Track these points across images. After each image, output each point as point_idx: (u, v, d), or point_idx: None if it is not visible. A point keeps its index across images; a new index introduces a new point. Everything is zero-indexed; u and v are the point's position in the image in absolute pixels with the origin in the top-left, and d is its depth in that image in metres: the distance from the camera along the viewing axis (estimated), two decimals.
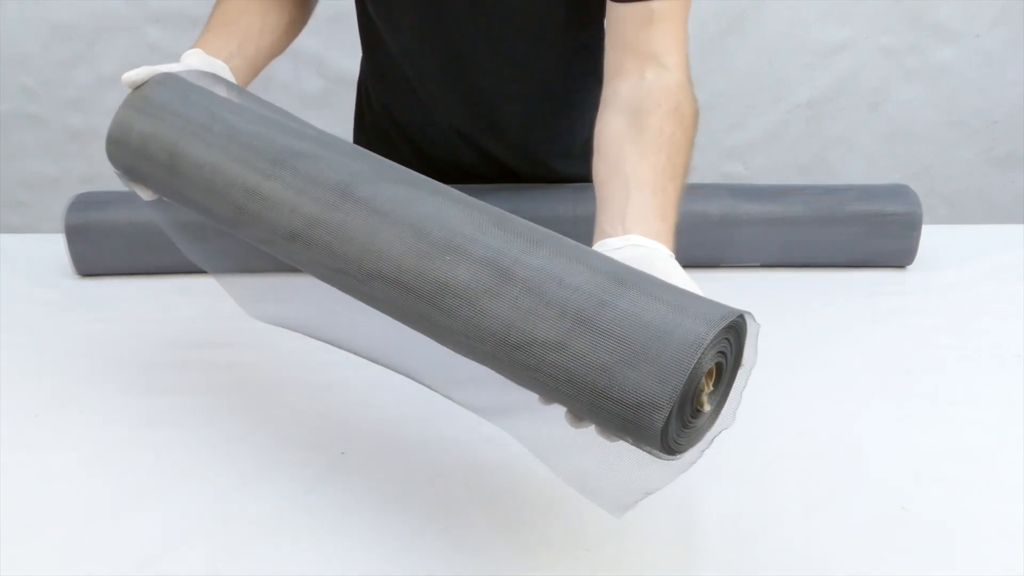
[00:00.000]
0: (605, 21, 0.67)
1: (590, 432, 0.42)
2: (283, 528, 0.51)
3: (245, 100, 0.60)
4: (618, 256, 0.46)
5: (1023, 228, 0.96)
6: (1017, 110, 1.68)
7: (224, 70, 0.67)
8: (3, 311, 0.78)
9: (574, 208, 0.82)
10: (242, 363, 0.69)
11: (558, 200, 0.83)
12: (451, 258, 0.42)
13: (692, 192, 0.83)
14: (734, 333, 0.41)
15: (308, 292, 0.56)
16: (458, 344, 0.43)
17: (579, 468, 0.45)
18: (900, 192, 0.85)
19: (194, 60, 0.65)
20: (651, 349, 0.37)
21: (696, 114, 0.61)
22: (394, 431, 0.61)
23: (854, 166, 1.74)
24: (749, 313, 0.41)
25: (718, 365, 0.40)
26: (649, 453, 0.40)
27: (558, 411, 0.43)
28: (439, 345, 0.45)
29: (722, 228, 0.83)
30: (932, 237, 0.89)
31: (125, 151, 0.58)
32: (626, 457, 0.42)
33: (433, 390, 0.50)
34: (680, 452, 0.40)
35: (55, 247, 0.86)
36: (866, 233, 0.84)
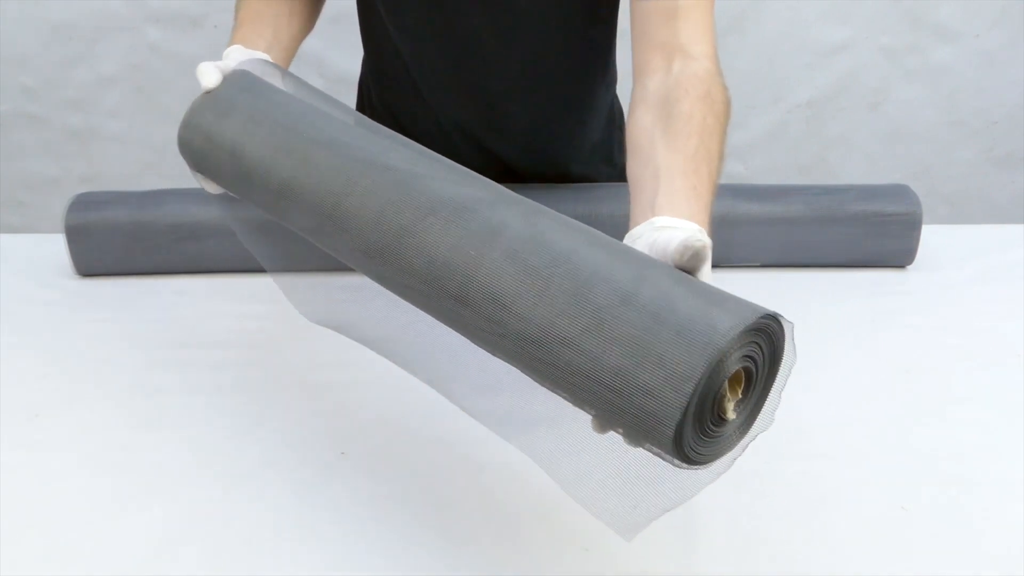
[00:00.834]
0: (630, 19, 0.66)
1: (604, 448, 0.41)
2: (283, 528, 0.51)
3: (312, 96, 0.60)
4: (640, 243, 0.44)
5: (1023, 228, 0.96)
6: (1017, 110, 1.68)
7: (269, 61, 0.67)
8: (3, 311, 0.78)
9: (575, 208, 0.82)
10: (242, 363, 0.69)
11: (561, 200, 0.83)
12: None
13: None
14: (764, 336, 0.39)
15: (368, 300, 0.55)
16: (484, 340, 0.42)
17: (589, 483, 0.44)
18: (900, 192, 0.85)
19: (239, 55, 0.64)
20: (664, 353, 0.36)
21: (728, 102, 0.59)
22: (394, 431, 0.61)
23: (854, 166, 1.74)
24: (777, 315, 0.39)
25: (746, 371, 0.39)
26: (669, 462, 0.39)
27: (574, 426, 0.42)
28: (482, 359, 0.44)
29: (722, 228, 0.83)
30: (932, 237, 0.89)
31: (194, 147, 0.57)
32: (643, 472, 0.41)
33: (467, 412, 0.50)
34: (702, 462, 0.39)
35: (55, 247, 0.86)
36: (866, 233, 0.84)
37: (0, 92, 1.66)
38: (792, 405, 0.64)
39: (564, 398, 0.41)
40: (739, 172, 1.72)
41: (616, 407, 0.37)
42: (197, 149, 0.57)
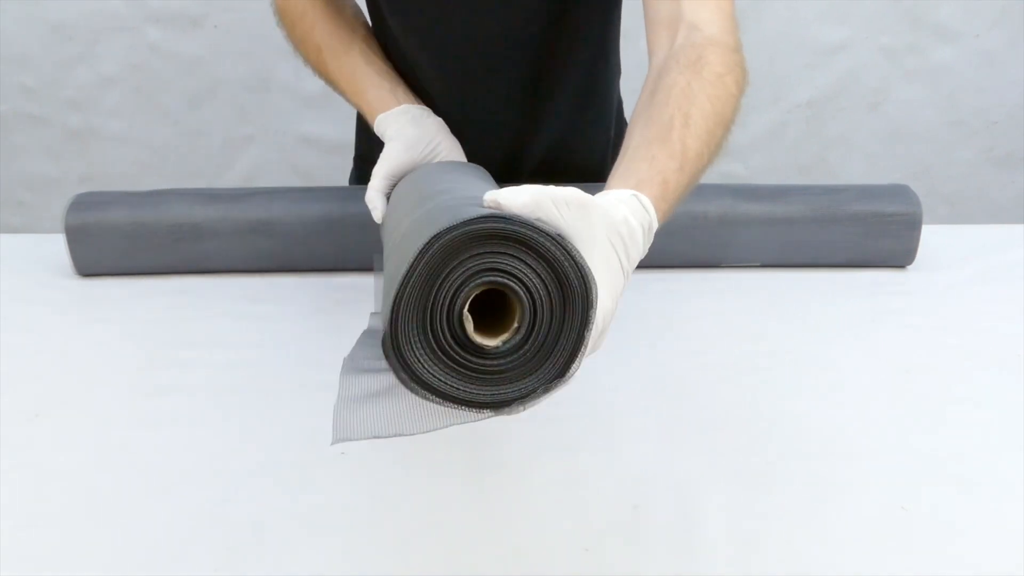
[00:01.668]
0: (643, 11, 0.65)
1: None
2: (283, 528, 0.51)
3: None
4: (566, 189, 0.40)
5: (1023, 228, 0.96)
6: (1017, 110, 1.68)
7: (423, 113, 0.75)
8: (3, 311, 0.78)
9: None
10: (242, 363, 0.69)
11: None
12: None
13: (692, 192, 0.83)
14: (540, 261, 0.35)
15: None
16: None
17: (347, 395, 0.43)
18: (900, 192, 0.85)
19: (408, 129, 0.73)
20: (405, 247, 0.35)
21: (731, 64, 0.56)
22: (397, 437, 0.61)
23: (854, 166, 1.74)
24: (557, 239, 0.35)
25: (515, 298, 0.35)
26: (407, 387, 0.36)
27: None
28: None
29: (722, 228, 0.84)
30: (932, 237, 0.89)
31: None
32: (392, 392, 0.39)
33: None
34: (442, 389, 0.36)
35: (55, 247, 0.86)
36: (866, 233, 0.84)
37: (0, 92, 1.66)
38: (792, 405, 0.64)
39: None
40: (739, 172, 1.72)
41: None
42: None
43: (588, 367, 0.67)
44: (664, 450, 0.58)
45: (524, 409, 0.37)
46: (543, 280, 0.35)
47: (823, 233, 0.84)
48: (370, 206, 0.69)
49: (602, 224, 0.40)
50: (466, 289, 0.35)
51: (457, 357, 0.36)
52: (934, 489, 0.55)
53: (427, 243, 0.34)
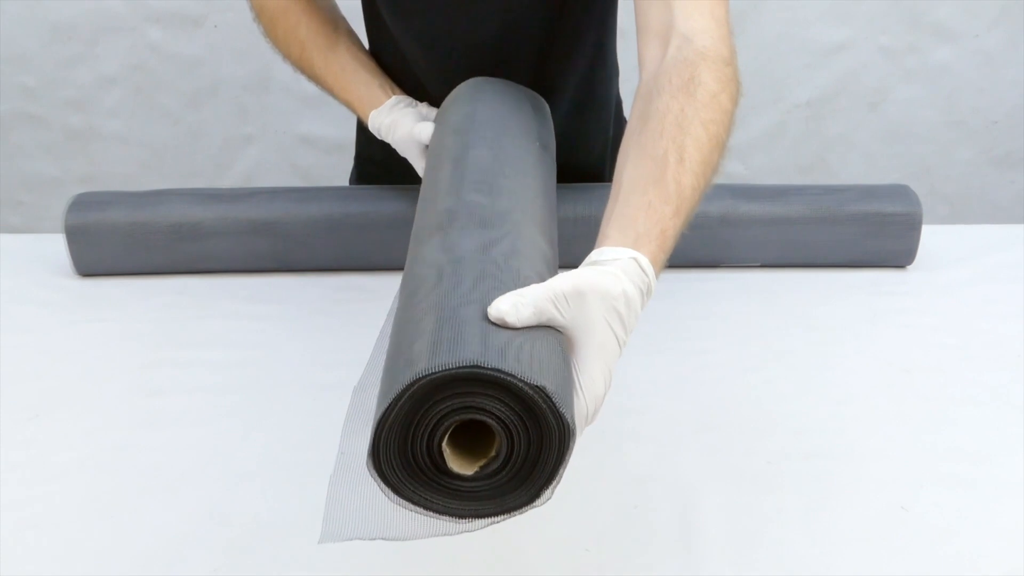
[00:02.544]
0: (635, 18, 0.64)
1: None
2: (283, 528, 0.51)
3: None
4: (566, 279, 0.42)
5: (1023, 228, 0.96)
6: (1017, 110, 1.68)
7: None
8: (3, 311, 0.78)
9: (574, 208, 0.83)
10: (242, 363, 0.69)
11: (561, 200, 0.83)
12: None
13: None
14: (524, 408, 0.36)
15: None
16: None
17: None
18: (900, 192, 0.85)
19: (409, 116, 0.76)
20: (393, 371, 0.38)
21: (725, 79, 0.55)
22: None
23: (854, 166, 1.74)
24: (541, 389, 0.36)
25: (491, 430, 0.37)
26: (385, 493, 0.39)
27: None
28: None
29: (722, 228, 0.83)
30: (932, 237, 0.89)
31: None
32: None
33: None
34: (422, 504, 0.38)
35: (55, 247, 0.86)
36: (866, 233, 0.84)
37: (0, 92, 1.66)
38: (792, 405, 0.64)
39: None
40: (739, 172, 1.72)
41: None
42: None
43: None
44: (664, 450, 0.58)
45: (505, 519, 0.39)
46: (521, 418, 0.37)
47: (823, 233, 0.84)
48: (421, 135, 0.72)
49: (600, 308, 0.42)
50: (445, 424, 0.37)
51: (437, 480, 0.38)
52: (934, 489, 0.55)
53: (406, 387, 0.36)
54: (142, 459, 0.58)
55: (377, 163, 0.91)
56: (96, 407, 0.64)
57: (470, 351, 0.36)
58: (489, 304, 0.39)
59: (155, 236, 0.82)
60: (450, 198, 0.51)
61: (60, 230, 0.83)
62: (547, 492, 0.39)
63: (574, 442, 0.38)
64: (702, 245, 0.84)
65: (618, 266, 0.44)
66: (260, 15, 0.81)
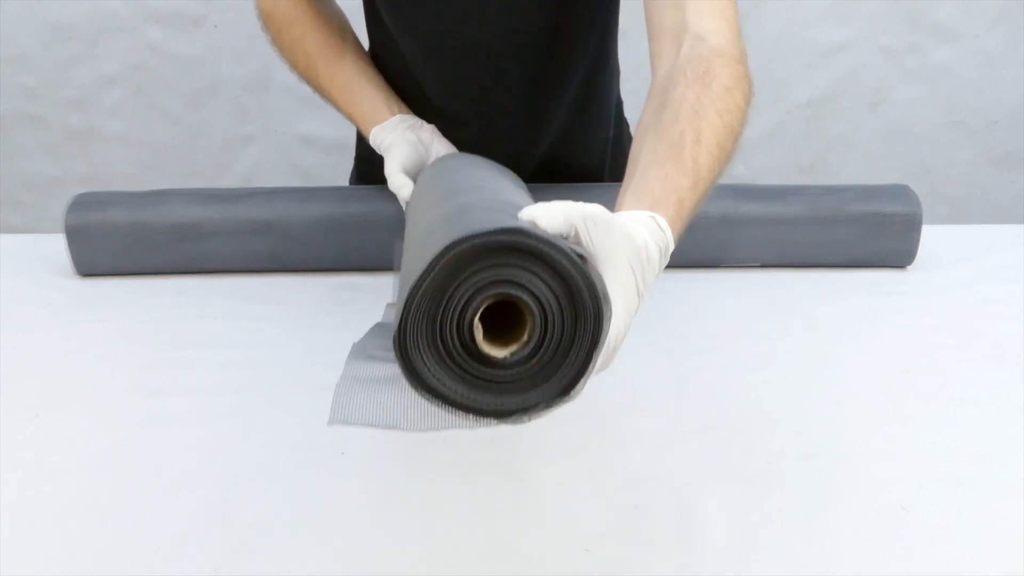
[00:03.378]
0: (645, 18, 0.65)
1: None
2: (283, 528, 0.51)
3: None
4: (594, 206, 0.41)
5: (1023, 228, 0.96)
6: (1017, 110, 1.68)
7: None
8: (3, 311, 0.78)
9: None
10: (242, 363, 0.69)
11: (561, 200, 0.83)
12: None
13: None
14: (552, 275, 0.35)
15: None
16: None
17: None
18: (900, 192, 0.85)
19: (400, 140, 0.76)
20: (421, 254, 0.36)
21: (739, 76, 0.55)
22: (394, 431, 0.61)
23: (854, 166, 1.74)
24: (575, 255, 0.34)
25: (526, 309, 0.35)
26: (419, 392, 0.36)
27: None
28: None
29: (722, 228, 0.83)
30: (932, 237, 0.89)
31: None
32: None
33: None
34: (445, 394, 0.36)
35: (55, 247, 0.86)
36: (866, 233, 0.84)
37: (0, 92, 1.66)
38: (792, 405, 0.64)
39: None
40: (739, 172, 1.73)
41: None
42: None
43: None
44: (664, 450, 0.58)
45: (526, 421, 0.37)
46: (557, 297, 0.35)
47: (823, 233, 0.84)
48: (397, 192, 0.71)
49: (624, 245, 0.40)
50: (478, 299, 0.35)
51: (464, 365, 0.36)
52: (934, 489, 0.55)
53: (443, 250, 0.34)
54: (142, 459, 0.58)
55: (377, 163, 0.91)
56: (96, 407, 0.64)
57: (507, 225, 0.34)
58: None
59: (155, 236, 0.82)
60: (440, 200, 0.51)
61: (60, 230, 0.83)
62: (579, 384, 0.36)
63: (607, 332, 0.36)
64: (702, 245, 0.84)
65: (633, 218, 0.44)
66: (267, 24, 0.81)
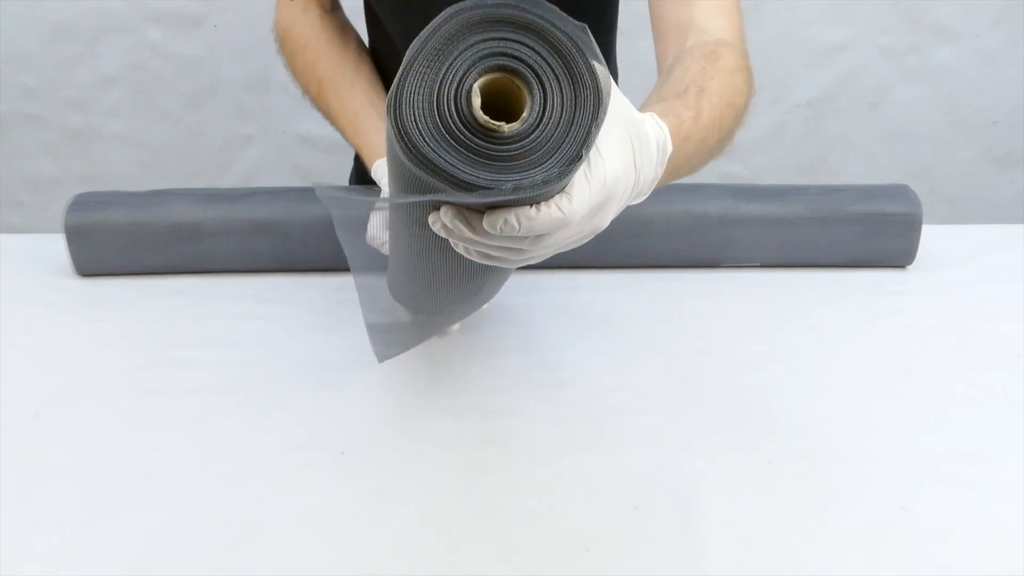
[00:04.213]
0: (649, 11, 0.65)
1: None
2: (283, 528, 0.51)
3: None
4: None
5: (1023, 228, 0.96)
6: (1017, 110, 1.68)
7: None
8: (3, 311, 0.78)
9: None
10: (242, 363, 0.69)
11: None
12: None
13: (692, 192, 0.84)
14: (546, 46, 0.35)
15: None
16: None
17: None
18: (900, 192, 0.85)
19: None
20: None
21: (742, 66, 0.56)
22: (394, 431, 0.61)
23: (854, 166, 1.74)
24: (571, 28, 0.35)
25: (521, 81, 0.35)
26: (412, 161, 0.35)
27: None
28: None
29: (722, 228, 0.83)
30: (932, 237, 0.89)
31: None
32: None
33: None
34: (441, 166, 0.35)
35: (55, 247, 0.86)
36: (866, 233, 0.84)
37: (0, 92, 1.66)
38: (792, 405, 0.64)
39: None
40: (739, 172, 1.72)
41: None
42: None
43: (588, 366, 0.68)
44: (664, 450, 0.58)
45: (523, 199, 0.36)
46: (555, 73, 0.35)
47: (823, 233, 0.84)
48: (372, 242, 0.69)
49: (622, 114, 0.40)
50: (478, 68, 0.35)
51: (461, 136, 0.35)
52: (934, 489, 0.55)
53: (445, 16, 0.34)
54: (142, 459, 0.58)
55: None
56: (96, 407, 0.64)
57: (509, 1, 0.34)
58: None
59: (155, 236, 0.82)
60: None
61: (60, 230, 0.83)
62: (577, 163, 0.36)
63: (606, 106, 0.36)
64: (702, 245, 0.84)
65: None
66: (282, 46, 0.80)
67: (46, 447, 0.59)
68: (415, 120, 0.35)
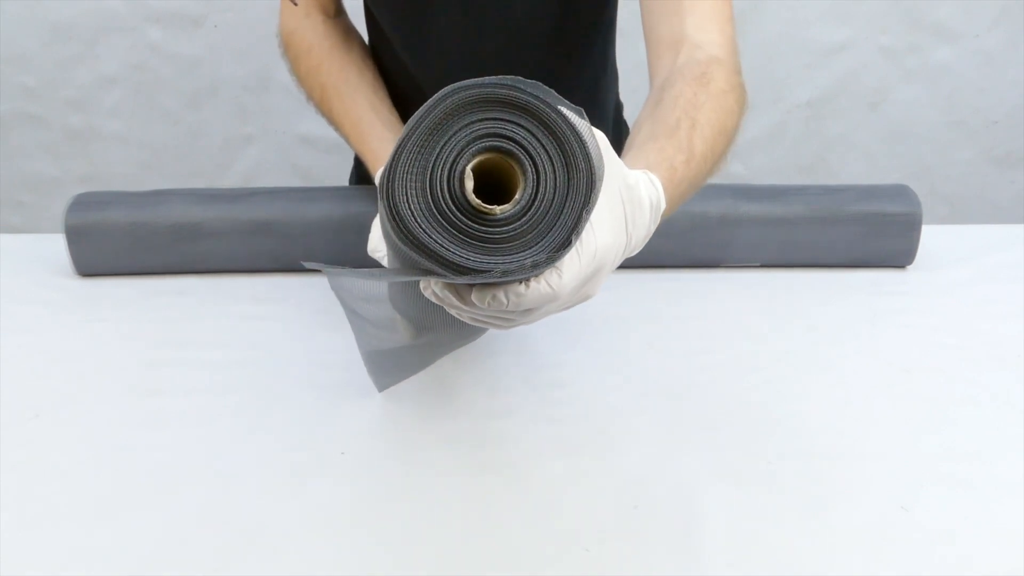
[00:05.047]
0: (641, 21, 0.65)
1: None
2: (283, 528, 0.51)
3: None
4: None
5: (1023, 228, 0.96)
6: (1017, 110, 1.68)
7: None
8: (3, 311, 0.78)
9: None
10: (242, 363, 0.69)
11: None
12: None
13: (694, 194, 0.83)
14: (541, 128, 0.35)
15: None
16: None
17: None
18: (900, 192, 0.85)
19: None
20: None
21: (734, 84, 0.56)
22: (394, 431, 0.61)
23: (854, 166, 1.74)
24: (563, 110, 0.35)
25: (517, 163, 0.35)
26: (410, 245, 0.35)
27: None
28: None
29: (722, 228, 0.84)
30: (932, 237, 0.89)
31: None
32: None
33: None
34: (432, 247, 0.35)
35: (55, 247, 0.86)
36: (866, 233, 0.84)
37: (0, 92, 1.66)
38: (792, 405, 0.64)
39: None
40: (739, 172, 1.72)
41: None
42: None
43: (588, 366, 0.68)
44: (664, 450, 0.58)
45: (514, 282, 0.36)
46: (550, 155, 0.35)
47: (823, 233, 0.84)
48: (374, 254, 0.69)
49: (616, 177, 0.40)
50: (471, 149, 0.35)
51: (453, 217, 0.35)
52: (934, 489, 0.55)
53: (439, 98, 0.34)
54: (142, 459, 0.58)
55: None
56: (96, 407, 0.64)
57: (505, 81, 0.34)
58: None
59: (155, 236, 0.82)
60: None
61: (60, 230, 0.83)
62: (566, 248, 0.36)
63: (599, 191, 0.36)
64: (702, 245, 0.84)
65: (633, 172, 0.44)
66: (286, 50, 0.80)
67: (46, 447, 0.59)
68: (407, 200, 0.35)
